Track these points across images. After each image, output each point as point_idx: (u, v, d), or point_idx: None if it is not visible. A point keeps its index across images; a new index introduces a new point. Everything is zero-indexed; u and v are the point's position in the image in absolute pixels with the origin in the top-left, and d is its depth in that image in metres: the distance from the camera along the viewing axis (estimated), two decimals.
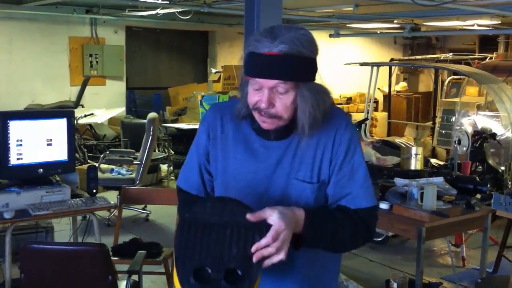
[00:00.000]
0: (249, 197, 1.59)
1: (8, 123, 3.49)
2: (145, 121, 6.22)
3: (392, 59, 11.62)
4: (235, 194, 1.58)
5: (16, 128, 3.53)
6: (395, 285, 4.01)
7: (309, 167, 1.61)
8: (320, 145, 1.61)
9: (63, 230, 4.69)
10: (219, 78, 9.12)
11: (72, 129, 3.80)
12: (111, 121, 8.95)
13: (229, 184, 1.66)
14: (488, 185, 3.99)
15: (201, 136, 1.72)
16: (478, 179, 4.13)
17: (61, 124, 3.70)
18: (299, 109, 1.53)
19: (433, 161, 6.14)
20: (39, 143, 3.62)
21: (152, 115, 6.09)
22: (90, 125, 8.26)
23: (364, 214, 1.61)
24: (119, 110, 8.82)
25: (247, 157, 1.64)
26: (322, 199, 1.64)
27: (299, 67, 1.50)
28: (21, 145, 3.54)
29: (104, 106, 8.83)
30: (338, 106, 7.03)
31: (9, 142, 3.50)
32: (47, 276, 2.83)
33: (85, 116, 7.72)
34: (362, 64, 9.01)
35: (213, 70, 10.36)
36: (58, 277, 2.81)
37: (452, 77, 9.68)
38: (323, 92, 1.58)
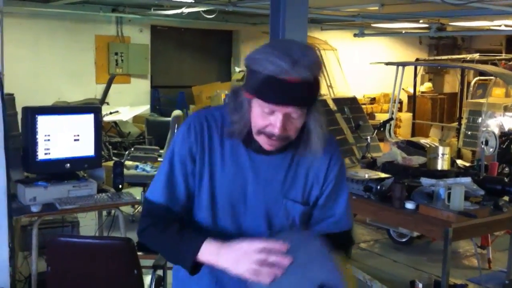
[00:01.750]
0: (236, 212, 1.58)
1: (36, 118, 3.54)
2: (169, 119, 6.26)
3: (417, 59, 11.51)
4: (223, 209, 1.57)
5: (44, 123, 3.57)
6: (420, 285, 3.96)
7: (300, 188, 1.61)
8: (314, 168, 1.60)
9: (88, 225, 4.74)
10: (243, 77, 9.13)
11: (99, 125, 3.83)
12: (136, 119, 9.02)
13: (216, 199, 1.58)
14: None
15: (186, 145, 1.58)
16: (506, 180, 4.07)
17: (88, 119, 3.74)
18: (312, 132, 1.51)
19: (459, 162, 6.07)
20: (66, 138, 3.66)
21: (176, 112, 6.13)
22: (115, 122, 8.33)
23: (346, 237, 1.67)
24: (144, 108, 8.88)
25: (235, 171, 1.57)
26: (306, 218, 1.66)
27: (316, 92, 1.47)
28: (49, 140, 3.58)
29: (129, 104, 8.91)
30: (362, 106, 6.94)
31: (37, 137, 3.54)
32: (73, 270, 2.86)
33: (110, 113, 7.79)
34: (387, 64, 8.94)
35: (237, 69, 10.39)
36: (84, 271, 2.83)
37: (478, 77, 9.55)
38: (323, 110, 1.57)
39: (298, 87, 1.40)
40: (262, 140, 1.50)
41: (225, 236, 1.53)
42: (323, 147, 1.53)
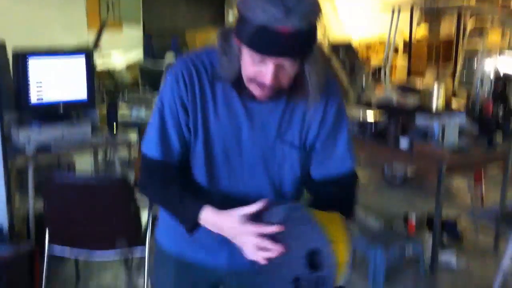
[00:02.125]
0: (231, 159, 1.53)
1: (27, 61, 3.49)
2: (162, 67, 6.23)
3: (413, 3, 11.35)
4: (218, 157, 1.52)
5: (35, 66, 3.53)
6: (413, 220, 4.03)
7: (297, 131, 1.53)
8: (310, 111, 1.51)
9: (84, 168, 4.75)
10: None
11: (91, 67, 3.79)
12: (129, 68, 8.95)
13: (211, 146, 1.52)
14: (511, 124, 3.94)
15: (176, 95, 1.49)
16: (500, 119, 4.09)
17: (80, 62, 3.70)
18: (308, 80, 1.42)
19: (454, 104, 6.07)
20: (58, 81, 3.62)
21: (170, 58, 6.08)
22: (108, 70, 8.28)
23: (350, 178, 1.60)
24: (136, 52, 8.80)
25: (229, 118, 1.50)
26: (308, 163, 1.59)
27: (311, 41, 1.35)
28: (40, 82, 3.55)
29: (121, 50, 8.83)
30: (358, 51, 6.85)
31: (28, 79, 3.51)
32: (70, 207, 2.88)
33: (102, 57, 7.73)
34: (382, 8, 8.82)
35: (231, 14, 10.27)
36: (81, 208, 2.85)
37: (475, 22, 9.45)
38: (323, 53, 1.49)
39: (291, 38, 1.29)
40: (253, 89, 1.43)
41: (221, 188, 1.52)
42: (319, 94, 1.45)
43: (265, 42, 1.30)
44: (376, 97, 5.38)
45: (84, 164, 4.77)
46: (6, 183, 3.09)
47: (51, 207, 2.92)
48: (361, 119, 4.28)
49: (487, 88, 5.52)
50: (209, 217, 1.44)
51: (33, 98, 3.55)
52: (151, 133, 1.53)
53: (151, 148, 1.52)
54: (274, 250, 1.34)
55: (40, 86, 3.55)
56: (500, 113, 5.84)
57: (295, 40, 1.29)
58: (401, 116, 4.00)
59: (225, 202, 1.48)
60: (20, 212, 3.69)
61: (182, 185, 1.52)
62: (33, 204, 3.39)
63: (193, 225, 1.46)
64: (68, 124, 3.61)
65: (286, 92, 1.46)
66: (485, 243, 4.24)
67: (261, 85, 1.38)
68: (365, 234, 3.91)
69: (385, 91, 6.05)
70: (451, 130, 3.52)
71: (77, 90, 3.69)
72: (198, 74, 1.49)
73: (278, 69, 1.35)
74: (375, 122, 4.10)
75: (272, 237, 1.35)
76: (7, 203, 3.10)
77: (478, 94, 4.72)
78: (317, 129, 1.54)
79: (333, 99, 1.54)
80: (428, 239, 3.97)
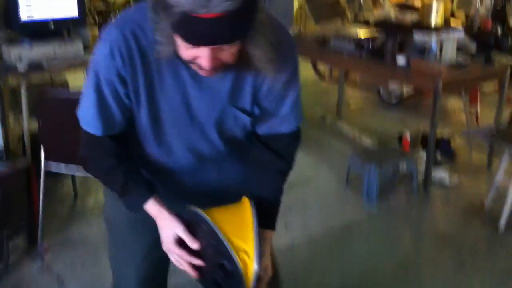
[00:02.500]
0: (182, 125, 1.46)
1: None
2: None
3: None
4: (167, 126, 1.45)
5: None
6: (408, 138, 4.05)
7: (248, 96, 1.45)
8: (261, 75, 1.41)
9: (77, 87, 4.72)
10: None
11: None
12: None
13: (158, 115, 1.43)
14: (510, 41, 3.89)
15: (112, 69, 1.35)
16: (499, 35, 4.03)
17: None
18: (254, 57, 1.30)
19: (452, 23, 5.98)
20: None
21: None
22: None
23: (292, 136, 1.57)
24: None
25: (176, 86, 1.39)
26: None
27: (248, 19, 1.17)
28: None
29: None
30: None
31: None
32: (64, 123, 2.86)
33: None
34: None
35: None
36: (75, 124, 2.83)
37: None
38: (272, 23, 1.34)
39: (220, 23, 1.11)
40: (195, 68, 1.30)
41: (173, 152, 1.50)
42: (271, 64, 1.33)
43: (192, 31, 1.13)
44: (374, 16, 5.28)
45: (77, 83, 4.73)
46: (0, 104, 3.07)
47: (45, 124, 2.91)
48: (358, 37, 4.22)
49: (486, 5, 5.41)
50: (151, 210, 1.45)
51: (23, 16, 3.48)
52: (89, 108, 1.41)
53: (91, 124, 1.42)
54: (192, 273, 1.39)
55: (30, 5, 3.46)
56: (499, 31, 5.78)
57: (226, 24, 1.12)
58: (399, 33, 3.93)
59: (177, 162, 1.52)
60: (15, 132, 3.69)
61: (126, 159, 1.48)
62: (27, 123, 3.38)
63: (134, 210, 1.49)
64: (60, 41, 3.54)
65: (234, 64, 1.33)
66: (478, 161, 4.28)
67: (201, 66, 1.26)
68: (360, 152, 3.94)
69: (383, 9, 5.94)
70: (449, 46, 3.48)
71: (67, 7, 3.60)
72: (138, 44, 1.33)
73: (216, 52, 1.22)
74: (372, 40, 4.04)
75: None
76: (1, 122, 3.09)
77: (478, 11, 4.62)
78: (265, 93, 1.47)
79: (286, 68, 1.44)
80: (422, 156, 4.01)
